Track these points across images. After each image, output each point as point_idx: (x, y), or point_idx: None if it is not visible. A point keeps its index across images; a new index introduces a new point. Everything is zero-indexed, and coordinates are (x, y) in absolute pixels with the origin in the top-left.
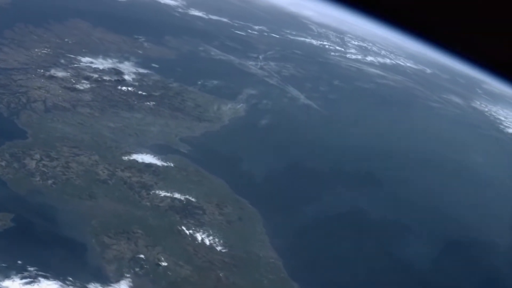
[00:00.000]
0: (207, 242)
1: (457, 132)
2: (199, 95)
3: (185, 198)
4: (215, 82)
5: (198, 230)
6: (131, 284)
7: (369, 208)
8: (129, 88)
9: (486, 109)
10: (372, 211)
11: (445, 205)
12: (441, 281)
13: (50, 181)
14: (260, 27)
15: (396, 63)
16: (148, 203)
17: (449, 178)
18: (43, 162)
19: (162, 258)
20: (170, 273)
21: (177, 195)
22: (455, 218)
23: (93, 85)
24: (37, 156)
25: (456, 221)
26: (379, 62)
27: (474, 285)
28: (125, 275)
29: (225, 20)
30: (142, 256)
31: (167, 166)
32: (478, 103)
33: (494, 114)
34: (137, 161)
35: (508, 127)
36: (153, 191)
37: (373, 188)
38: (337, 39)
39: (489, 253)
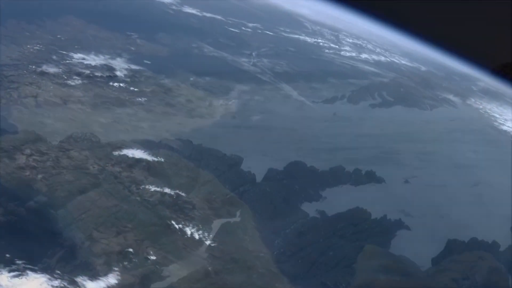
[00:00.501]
0: (196, 237)
1: (453, 130)
2: (191, 92)
3: (175, 193)
4: (208, 78)
5: (187, 224)
6: (119, 277)
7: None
8: (121, 84)
9: (481, 107)
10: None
11: (443, 204)
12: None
13: (40, 176)
14: (254, 24)
15: (391, 60)
16: (138, 198)
17: (447, 176)
18: (34, 157)
19: (151, 252)
20: (158, 267)
21: (167, 190)
22: (454, 217)
23: (85, 81)
24: (28, 151)
25: (455, 219)
26: (373, 59)
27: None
28: (114, 268)
29: (219, 17)
30: (131, 250)
31: (157, 161)
32: (473, 100)
33: (489, 111)
34: (127, 156)
35: (503, 124)
36: (143, 186)
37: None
38: (332, 37)
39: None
